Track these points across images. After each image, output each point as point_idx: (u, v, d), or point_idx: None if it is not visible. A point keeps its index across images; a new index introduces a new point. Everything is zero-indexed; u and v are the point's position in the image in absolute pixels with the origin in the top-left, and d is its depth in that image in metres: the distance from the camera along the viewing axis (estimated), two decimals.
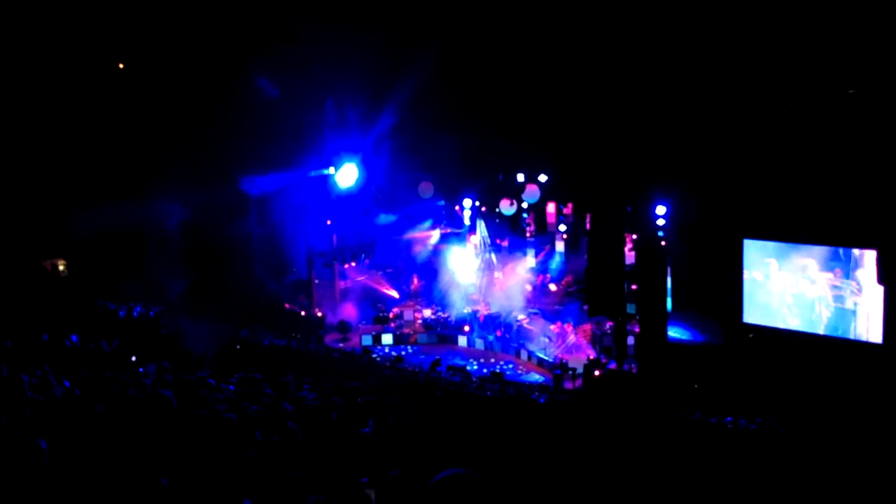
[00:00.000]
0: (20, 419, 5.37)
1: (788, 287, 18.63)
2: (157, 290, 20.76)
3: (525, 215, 25.58)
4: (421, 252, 26.85)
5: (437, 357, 21.99)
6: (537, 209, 25.20)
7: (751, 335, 19.21)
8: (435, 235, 26.89)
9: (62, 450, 4.65)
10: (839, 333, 17.66)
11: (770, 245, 18.99)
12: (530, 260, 25.99)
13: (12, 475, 3.92)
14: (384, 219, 25.84)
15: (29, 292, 17.17)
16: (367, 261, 26.31)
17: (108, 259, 20.98)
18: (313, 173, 23.52)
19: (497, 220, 26.32)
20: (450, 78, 20.29)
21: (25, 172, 19.85)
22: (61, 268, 21.67)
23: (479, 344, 23.81)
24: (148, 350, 13.47)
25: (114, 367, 9.97)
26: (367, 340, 23.93)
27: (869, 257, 17.02)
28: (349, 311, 25.28)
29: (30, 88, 19.50)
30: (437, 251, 26.72)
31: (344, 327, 24.53)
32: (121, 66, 22.42)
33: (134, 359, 11.65)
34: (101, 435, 5.21)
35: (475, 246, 26.52)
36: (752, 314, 19.37)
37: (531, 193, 23.68)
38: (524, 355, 22.65)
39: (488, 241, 26.42)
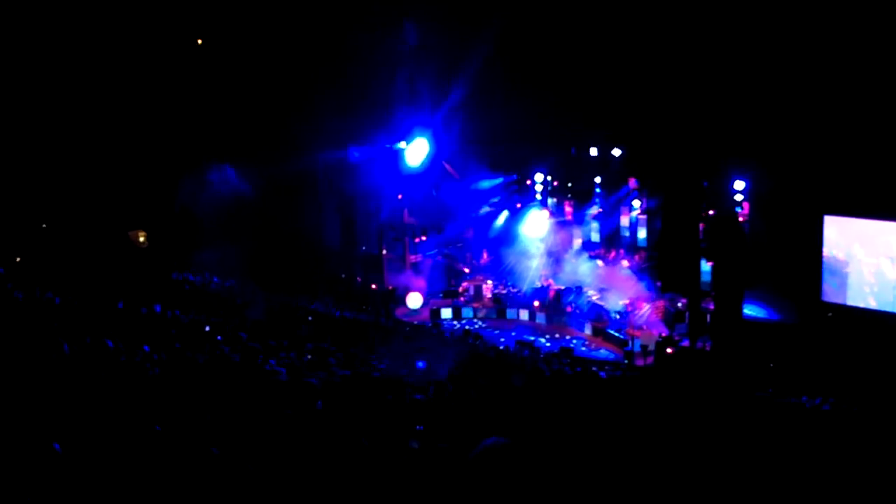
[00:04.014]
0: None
1: (868, 266, 17.94)
2: (234, 262, 21.28)
3: (598, 190, 25.26)
4: (492, 226, 26.77)
5: (511, 332, 22.00)
6: (610, 185, 24.88)
7: (829, 314, 18.61)
8: (506, 209, 26.74)
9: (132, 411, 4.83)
10: None
11: (851, 222, 18.31)
12: (595, 235, 25.72)
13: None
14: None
15: (114, 262, 17.87)
16: (437, 235, 26.38)
17: (188, 232, 21.62)
18: (385, 147, 23.66)
19: (569, 196, 26.06)
20: (522, 51, 20.09)
21: (114, 147, 20.56)
22: (142, 239, 22.41)
23: (550, 319, 23.67)
24: (223, 319, 13.85)
25: (189, 335, 10.31)
26: (444, 314, 24.06)
27: None
28: (420, 285, 25.43)
29: (122, 66, 20.12)
30: (507, 226, 26.59)
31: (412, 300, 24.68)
32: (199, 41, 22.94)
33: (208, 328, 12.02)
34: (170, 395, 5.39)
35: (546, 221, 26.28)
36: (831, 293, 18.75)
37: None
38: (594, 331, 22.43)
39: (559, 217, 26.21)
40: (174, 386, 5.91)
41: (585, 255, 25.27)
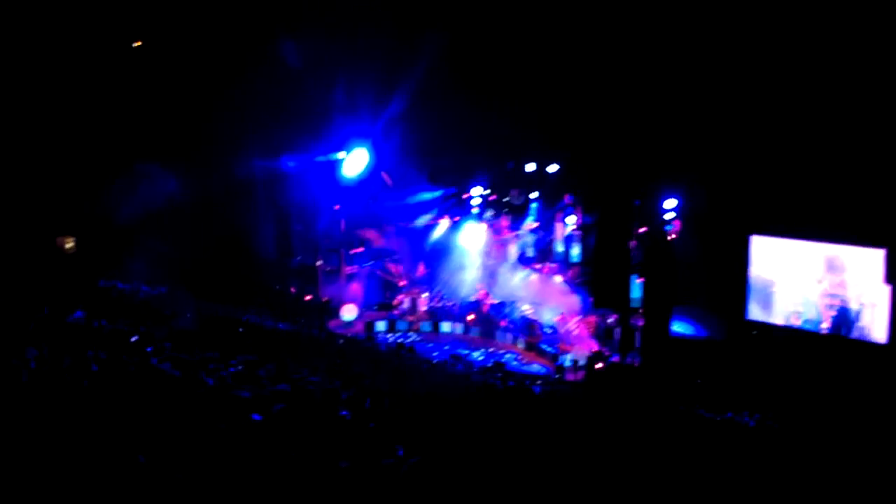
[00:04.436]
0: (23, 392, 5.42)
1: (794, 285, 18.57)
2: (166, 269, 20.81)
3: (534, 205, 25.56)
4: (427, 239, 26.80)
5: (444, 346, 22.06)
6: (546, 202, 25.23)
7: (754, 332, 19.18)
8: (443, 222, 26.79)
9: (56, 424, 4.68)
10: (843, 332, 17.60)
11: (777, 242, 18.93)
12: (530, 250, 26.03)
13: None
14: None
15: (40, 269, 17.31)
16: (373, 247, 26.29)
17: (116, 238, 21.06)
18: (322, 157, 23.49)
19: (505, 211, 26.29)
20: (461, 64, 20.21)
21: (41, 150, 19.93)
22: (69, 245, 21.74)
23: (482, 333, 23.81)
24: (151, 329, 13.52)
25: (114, 345, 10.04)
26: (378, 327, 24.00)
27: (876, 256, 16.93)
28: (355, 297, 25.28)
29: (40, 71, 19.52)
30: (444, 239, 26.65)
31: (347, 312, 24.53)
32: (136, 44, 22.43)
33: (135, 338, 11.71)
34: (94, 409, 5.24)
35: (483, 235, 26.44)
36: (757, 311, 19.33)
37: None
38: (527, 346, 22.65)
39: (495, 231, 26.40)
40: (101, 396, 5.75)
41: (521, 268, 25.50)
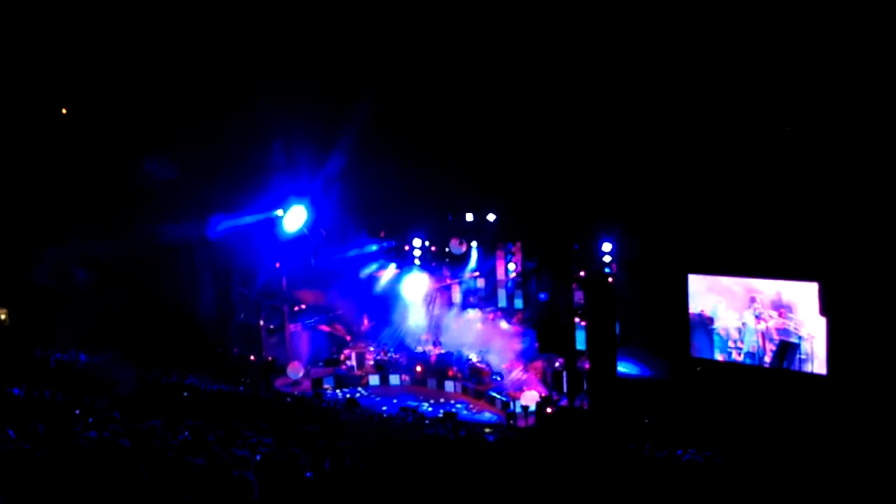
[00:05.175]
0: None
1: (733, 321, 19.04)
2: (101, 337, 20.33)
3: (475, 254, 25.82)
4: (371, 292, 26.72)
5: (393, 399, 21.94)
6: (486, 249, 25.55)
7: (698, 369, 19.54)
8: (386, 274, 26.80)
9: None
10: (784, 365, 18.05)
11: (714, 280, 19.42)
12: (473, 298, 26.24)
13: None
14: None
15: None
16: (316, 303, 26.10)
17: (50, 306, 20.53)
18: (261, 216, 23.36)
19: (447, 260, 26.47)
20: (397, 120, 20.51)
21: None
22: (2, 317, 21.10)
23: (432, 384, 23.76)
24: (93, 399, 13.17)
25: (59, 417, 9.75)
26: (328, 382, 23.81)
27: (811, 290, 17.50)
28: (299, 355, 25.00)
29: None
30: (387, 290, 26.63)
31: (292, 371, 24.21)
32: (63, 110, 22.14)
33: (78, 412, 11.40)
34: (48, 487, 5.11)
35: (426, 284, 26.51)
36: (699, 348, 19.73)
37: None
38: (476, 394, 22.67)
39: (438, 279, 26.52)
40: (55, 469, 5.59)
41: (466, 313, 25.57)
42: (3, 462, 5.71)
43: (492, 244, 25.48)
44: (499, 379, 22.85)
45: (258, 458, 6.00)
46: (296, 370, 23.96)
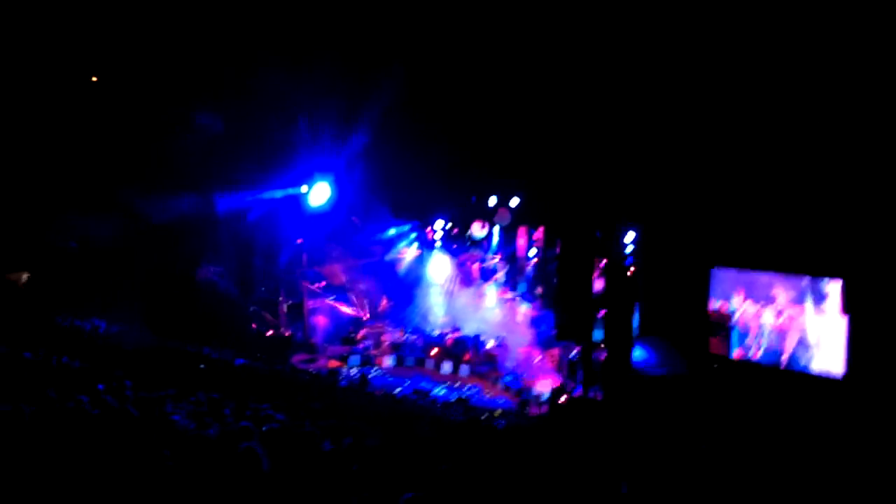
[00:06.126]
0: None
1: (754, 318, 18.81)
2: (122, 306, 20.49)
3: (497, 239, 25.75)
4: (392, 272, 26.75)
5: (406, 381, 21.96)
6: (508, 234, 25.44)
7: (715, 365, 19.35)
8: (408, 255, 26.79)
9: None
10: (801, 365, 17.81)
11: (737, 275, 19.18)
12: (493, 283, 26.14)
13: None
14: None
15: None
16: (336, 281, 26.16)
17: (71, 273, 20.69)
18: (285, 191, 23.41)
19: (468, 244, 26.41)
20: (423, 99, 20.41)
21: None
22: (22, 280, 21.29)
23: (447, 368, 23.74)
24: (111, 367, 13.27)
25: (74, 383, 9.82)
26: (353, 362, 23.76)
27: (834, 288, 17.24)
28: (317, 332, 25.10)
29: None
30: (408, 272, 26.65)
31: (311, 348, 24.34)
32: (94, 78, 22.24)
33: (93, 380, 11.47)
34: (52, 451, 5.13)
35: (447, 267, 26.49)
36: (719, 345, 19.48)
37: (502, 217, 23.94)
38: (491, 380, 22.65)
39: (460, 263, 26.49)
40: (60, 439, 5.62)
41: (485, 297, 25.53)
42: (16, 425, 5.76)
43: (514, 229, 25.37)
44: (514, 365, 22.80)
45: (265, 429, 5.98)
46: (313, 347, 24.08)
